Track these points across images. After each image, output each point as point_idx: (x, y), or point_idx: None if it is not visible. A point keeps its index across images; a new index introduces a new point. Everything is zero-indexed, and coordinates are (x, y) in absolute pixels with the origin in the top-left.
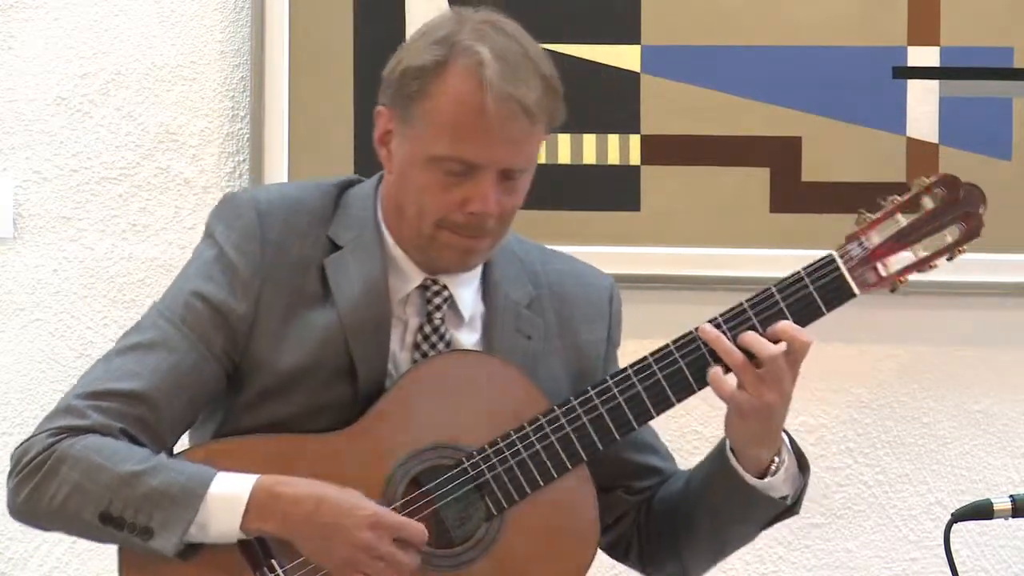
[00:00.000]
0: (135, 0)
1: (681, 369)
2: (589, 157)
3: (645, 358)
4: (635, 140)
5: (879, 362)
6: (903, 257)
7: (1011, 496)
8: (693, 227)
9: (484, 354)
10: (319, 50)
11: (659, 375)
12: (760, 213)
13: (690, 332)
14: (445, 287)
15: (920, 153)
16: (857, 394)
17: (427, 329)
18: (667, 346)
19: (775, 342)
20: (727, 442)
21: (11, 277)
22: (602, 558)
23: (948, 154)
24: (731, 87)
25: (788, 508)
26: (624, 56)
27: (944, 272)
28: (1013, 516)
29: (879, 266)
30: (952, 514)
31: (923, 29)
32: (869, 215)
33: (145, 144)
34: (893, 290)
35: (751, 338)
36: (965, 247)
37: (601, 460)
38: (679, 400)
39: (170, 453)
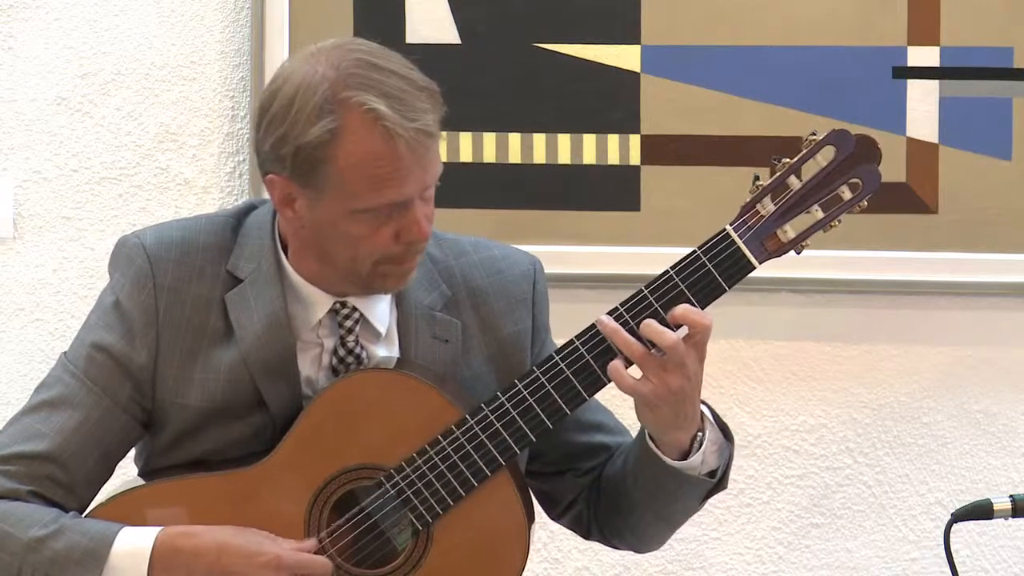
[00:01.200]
0: (135, 0)
1: (589, 363)
2: (589, 157)
3: (551, 356)
4: (635, 140)
5: (879, 362)
6: (803, 219)
7: (1011, 496)
8: (693, 227)
9: (391, 370)
10: None
11: (567, 372)
12: None
13: (593, 325)
14: (355, 308)
15: (920, 153)
16: (857, 394)
17: (341, 352)
18: (572, 341)
19: (677, 326)
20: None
21: (11, 277)
22: (601, 558)
23: (948, 154)
24: (731, 87)
25: (716, 484)
26: (624, 56)
27: (944, 272)
28: (1013, 516)
29: (778, 233)
30: (952, 514)
31: (923, 29)
32: (761, 182)
33: (145, 144)
34: (798, 252)
35: (650, 329)
36: (865, 202)
37: (547, 445)
38: (590, 394)
39: (82, 509)
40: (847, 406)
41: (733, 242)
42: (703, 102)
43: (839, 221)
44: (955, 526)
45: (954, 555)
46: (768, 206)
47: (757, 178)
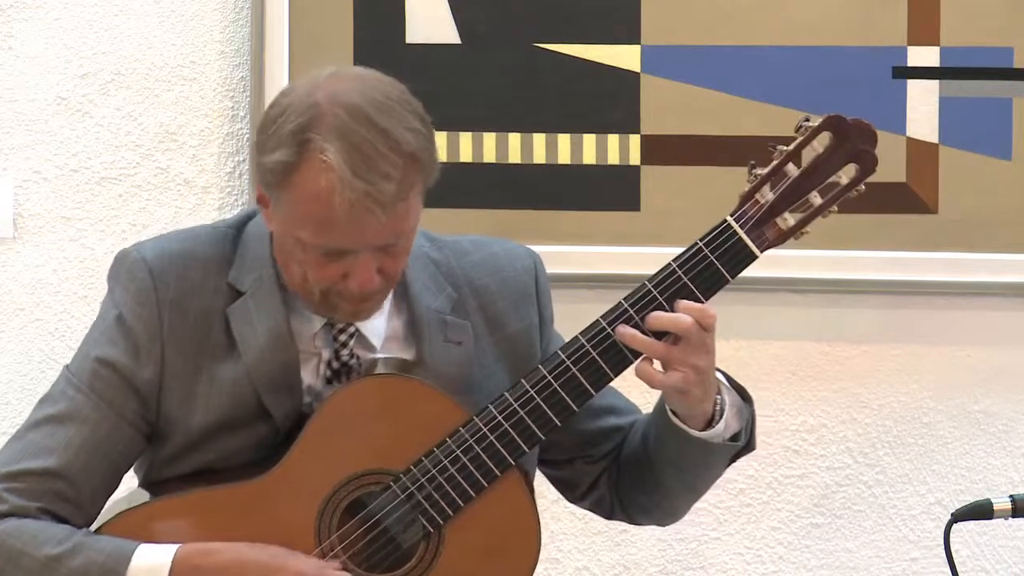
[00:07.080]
0: (135, 0)
1: (595, 360)
2: (589, 157)
3: (557, 354)
4: (635, 140)
5: (879, 362)
6: (802, 206)
7: (1011, 496)
8: (693, 227)
9: (395, 376)
10: (319, 50)
11: (574, 369)
12: None
13: (598, 321)
14: (350, 323)
15: (920, 153)
16: (857, 394)
17: (335, 364)
18: (577, 338)
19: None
20: (666, 404)
21: (11, 277)
22: (601, 558)
23: (948, 154)
24: (731, 87)
25: (744, 446)
26: (624, 56)
27: (944, 272)
28: (1013, 516)
29: (778, 221)
30: (952, 514)
31: (923, 29)
32: (759, 171)
33: (145, 144)
34: (797, 239)
35: (660, 321)
36: (862, 186)
37: (560, 434)
38: (597, 390)
39: (89, 524)
40: (847, 406)
41: (734, 233)
42: (703, 102)
43: (836, 207)
44: (955, 526)
45: (954, 555)
46: (767, 195)
47: (754, 166)
